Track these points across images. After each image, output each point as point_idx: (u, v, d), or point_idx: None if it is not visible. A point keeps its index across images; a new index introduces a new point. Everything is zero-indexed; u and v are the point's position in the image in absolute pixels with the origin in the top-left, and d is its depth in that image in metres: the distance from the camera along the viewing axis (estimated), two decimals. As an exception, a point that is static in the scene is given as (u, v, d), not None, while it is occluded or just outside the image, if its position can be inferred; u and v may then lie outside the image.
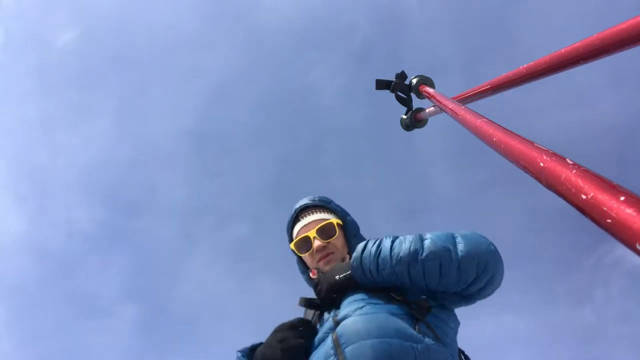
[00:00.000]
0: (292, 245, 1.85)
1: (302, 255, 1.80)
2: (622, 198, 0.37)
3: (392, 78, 1.70)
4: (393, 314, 1.31)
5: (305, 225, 1.84)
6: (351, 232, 1.82)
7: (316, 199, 1.92)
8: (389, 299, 1.38)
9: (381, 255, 1.38)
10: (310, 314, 1.61)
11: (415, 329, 1.24)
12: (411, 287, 1.37)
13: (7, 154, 18.21)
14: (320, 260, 1.72)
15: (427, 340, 1.22)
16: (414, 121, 1.71)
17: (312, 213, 1.87)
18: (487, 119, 0.68)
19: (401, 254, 1.32)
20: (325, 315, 1.51)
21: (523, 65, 0.73)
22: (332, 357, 1.23)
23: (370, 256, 1.39)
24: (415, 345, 1.19)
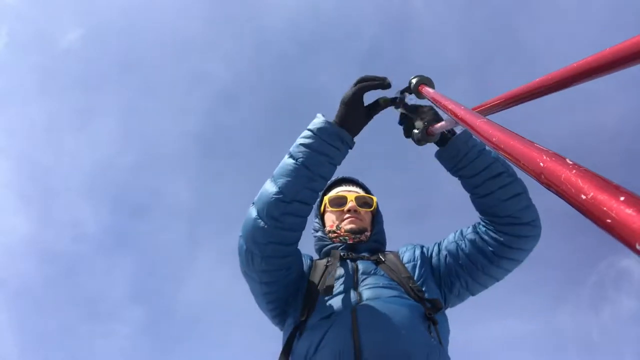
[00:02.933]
0: (326, 198, 1.97)
1: (330, 209, 1.93)
2: (622, 198, 0.37)
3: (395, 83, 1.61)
4: (413, 313, 1.37)
5: (347, 190, 1.99)
6: (378, 219, 1.95)
7: (360, 182, 2.09)
8: (408, 292, 1.49)
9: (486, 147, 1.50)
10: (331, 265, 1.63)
11: (430, 333, 1.34)
12: (476, 185, 1.51)
13: (13, 155, 18.29)
14: (346, 219, 1.85)
15: (437, 344, 1.31)
16: (425, 135, 1.52)
17: (355, 187, 2.05)
18: (486, 119, 0.68)
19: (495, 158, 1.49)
20: (349, 264, 1.63)
21: (537, 78, 0.74)
22: (348, 335, 1.27)
23: (477, 140, 1.48)
24: (429, 348, 1.26)
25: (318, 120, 1.43)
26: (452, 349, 1.46)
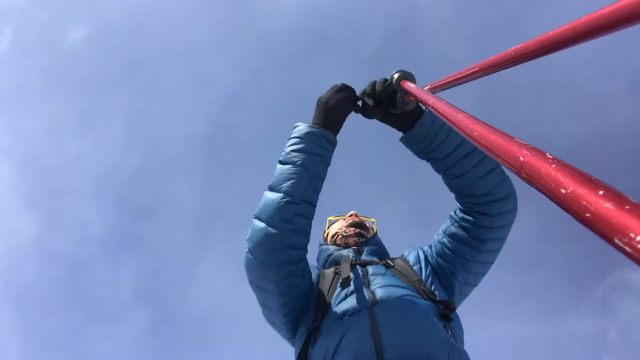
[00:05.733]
0: (328, 220, 2.18)
1: (335, 219, 2.13)
2: (601, 192, 0.37)
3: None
4: (429, 312, 1.37)
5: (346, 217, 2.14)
6: (376, 236, 2.04)
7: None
8: (420, 294, 1.49)
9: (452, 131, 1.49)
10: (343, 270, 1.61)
11: (447, 332, 1.34)
12: (451, 169, 1.51)
13: (18, 156, 18.36)
14: (348, 220, 2.01)
15: (455, 343, 1.29)
16: (402, 104, 1.55)
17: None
18: (467, 113, 0.69)
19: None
20: (359, 270, 1.62)
21: (511, 47, 0.75)
22: (368, 335, 1.24)
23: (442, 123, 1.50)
24: (449, 346, 1.24)
25: (302, 127, 1.52)
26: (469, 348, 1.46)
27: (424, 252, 1.75)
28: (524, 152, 0.45)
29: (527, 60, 0.73)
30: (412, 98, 1.42)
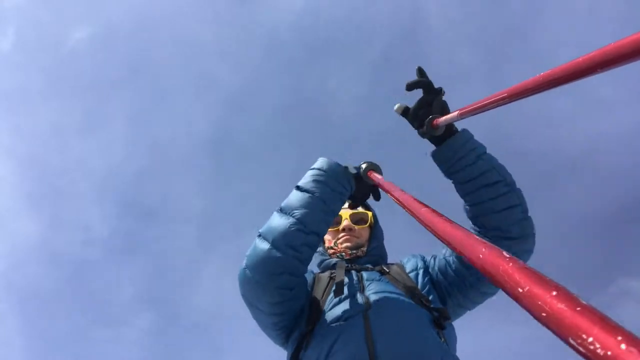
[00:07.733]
0: None
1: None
2: (554, 293, 0.39)
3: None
4: (422, 318, 1.36)
5: (343, 208, 1.94)
6: (376, 235, 1.94)
7: None
8: (414, 299, 1.46)
9: (486, 152, 1.48)
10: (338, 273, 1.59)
11: (440, 339, 1.31)
12: (471, 190, 1.46)
13: (21, 157, 18.34)
14: (341, 237, 1.87)
15: (448, 349, 1.30)
16: (430, 128, 1.46)
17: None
18: (430, 208, 0.71)
19: (496, 164, 1.46)
20: (354, 275, 1.59)
21: (539, 73, 0.76)
22: (362, 340, 1.23)
23: (478, 143, 1.49)
24: (442, 352, 1.24)
25: (328, 161, 1.53)
26: (461, 355, 1.46)
27: (424, 262, 1.71)
28: (483, 249, 0.47)
29: (554, 87, 0.73)
30: (441, 123, 1.39)
